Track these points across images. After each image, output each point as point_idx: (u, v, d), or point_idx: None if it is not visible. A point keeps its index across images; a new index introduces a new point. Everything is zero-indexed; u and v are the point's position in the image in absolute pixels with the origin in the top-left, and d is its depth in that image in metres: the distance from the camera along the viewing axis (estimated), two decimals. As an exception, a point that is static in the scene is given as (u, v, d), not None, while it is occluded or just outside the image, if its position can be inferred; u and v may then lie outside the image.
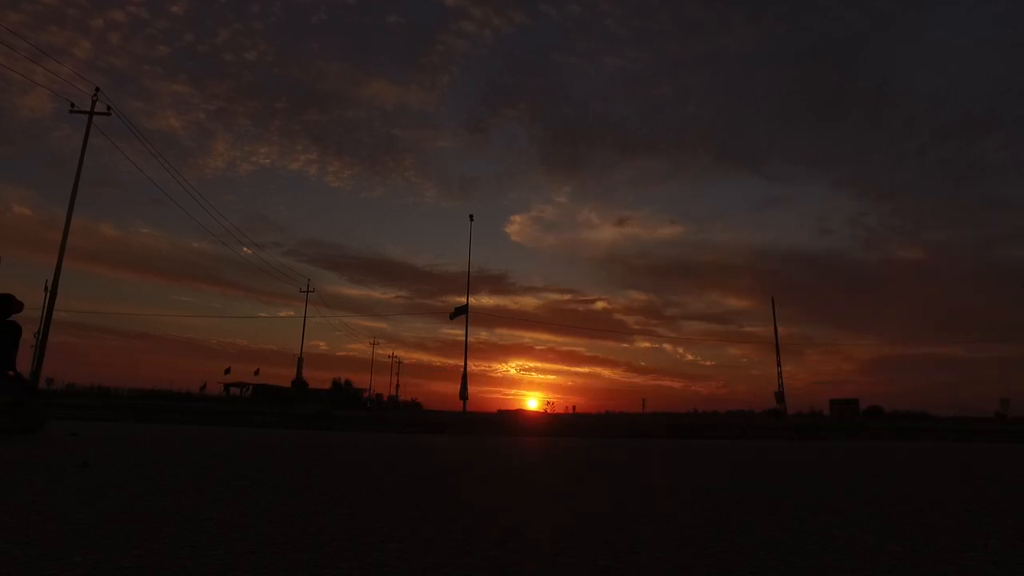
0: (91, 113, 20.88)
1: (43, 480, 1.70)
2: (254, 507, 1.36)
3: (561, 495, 1.68)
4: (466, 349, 21.82)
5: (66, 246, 19.58)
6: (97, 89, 21.00)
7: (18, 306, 3.28)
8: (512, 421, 15.94)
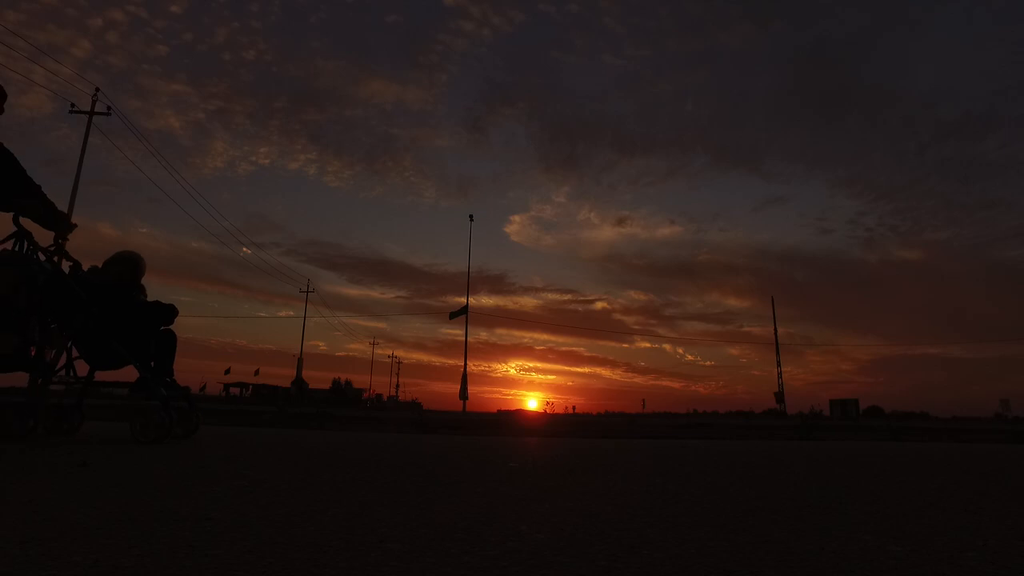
0: (91, 113, 20.90)
1: (42, 480, 1.70)
2: (253, 507, 1.36)
3: (561, 495, 1.68)
4: (466, 349, 21.85)
5: (65, 246, 19.52)
6: (97, 89, 21.04)
7: (176, 314, 3.43)
8: (512, 421, 15.93)
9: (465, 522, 1.25)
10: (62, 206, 3.43)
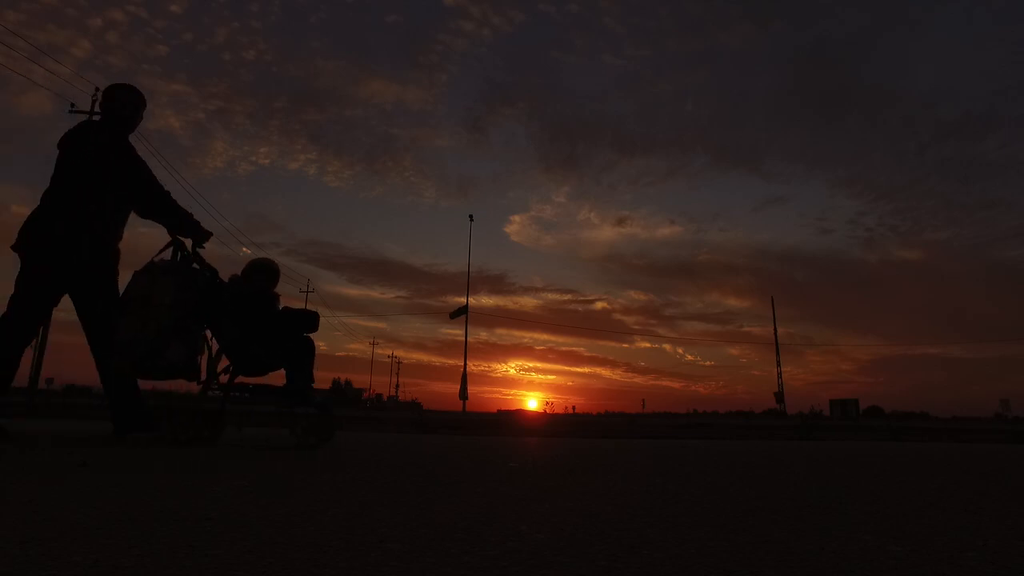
0: (91, 113, 20.89)
1: (42, 480, 1.70)
2: (253, 507, 1.36)
3: (561, 495, 1.68)
4: (466, 349, 21.85)
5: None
6: (97, 89, 21.02)
7: (319, 321, 3.50)
8: (512, 421, 15.94)
9: (465, 522, 1.25)
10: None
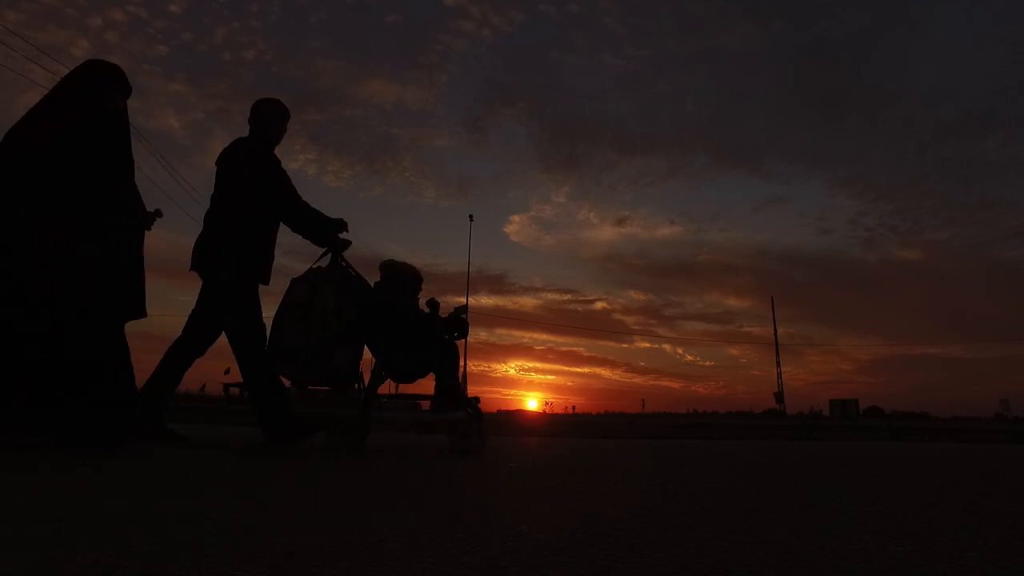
0: (91, 113, 20.78)
1: (42, 480, 1.70)
2: (253, 507, 1.36)
3: (561, 495, 1.68)
4: (465, 349, 21.84)
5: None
6: (97, 89, 20.96)
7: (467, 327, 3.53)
8: (512, 421, 15.93)
9: (465, 522, 1.25)
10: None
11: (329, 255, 3.39)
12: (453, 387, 3.32)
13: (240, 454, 2.70)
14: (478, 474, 2.17)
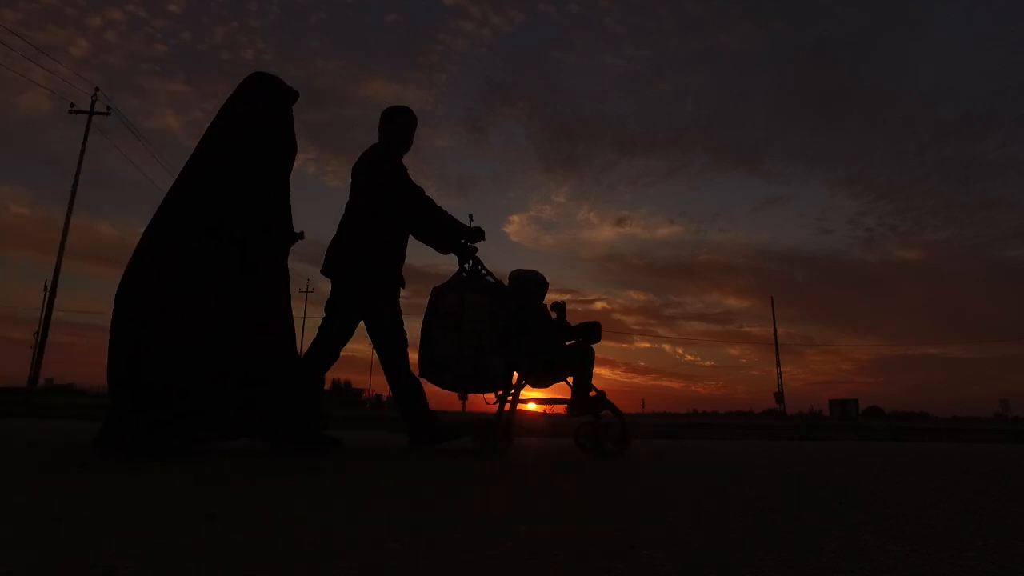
0: (91, 113, 20.86)
1: (42, 480, 1.70)
2: (253, 507, 1.36)
3: (561, 495, 1.68)
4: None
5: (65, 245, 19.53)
6: (96, 89, 21.01)
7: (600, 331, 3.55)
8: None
9: (464, 522, 1.25)
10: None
11: (471, 262, 3.46)
12: (588, 389, 3.36)
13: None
14: (477, 474, 2.17)
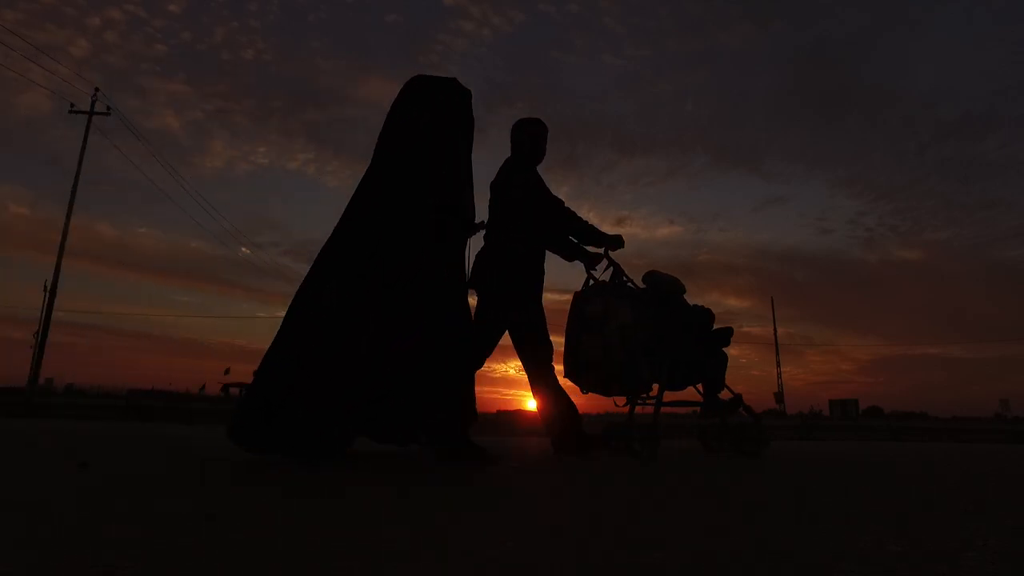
0: (91, 113, 20.85)
1: (42, 480, 1.70)
2: (254, 507, 1.36)
3: (561, 495, 1.68)
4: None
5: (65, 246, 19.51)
6: (96, 89, 21.00)
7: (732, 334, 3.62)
8: (512, 421, 15.93)
9: (465, 522, 1.25)
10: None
11: (612, 268, 3.51)
12: (720, 391, 3.42)
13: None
14: (478, 474, 2.17)
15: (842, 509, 1.54)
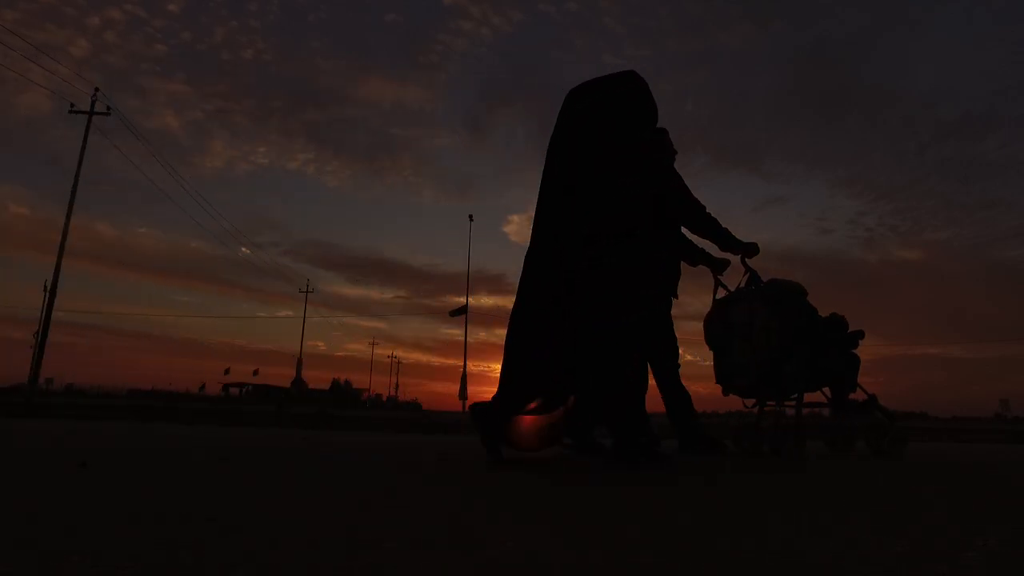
0: (91, 113, 20.85)
1: (42, 480, 1.70)
2: (253, 507, 1.36)
3: (560, 495, 1.68)
4: (465, 350, 21.81)
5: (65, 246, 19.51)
6: (96, 89, 21.00)
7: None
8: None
9: (465, 522, 1.25)
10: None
11: (749, 273, 3.65)
12: (852, 392, 3.47)
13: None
14: (478, 474, 2.17)
15: (842, 508, 1.54)
